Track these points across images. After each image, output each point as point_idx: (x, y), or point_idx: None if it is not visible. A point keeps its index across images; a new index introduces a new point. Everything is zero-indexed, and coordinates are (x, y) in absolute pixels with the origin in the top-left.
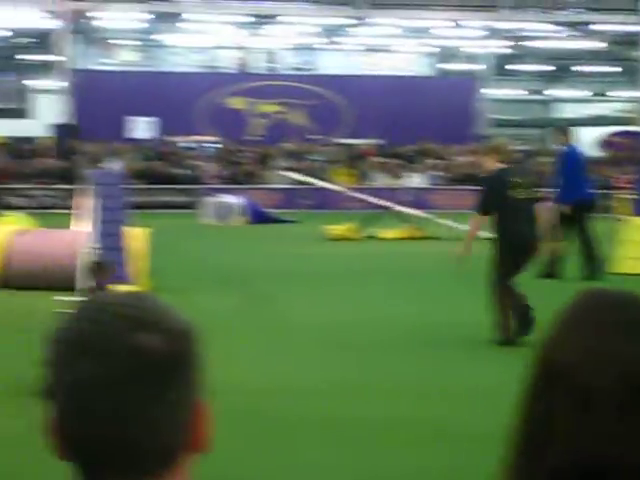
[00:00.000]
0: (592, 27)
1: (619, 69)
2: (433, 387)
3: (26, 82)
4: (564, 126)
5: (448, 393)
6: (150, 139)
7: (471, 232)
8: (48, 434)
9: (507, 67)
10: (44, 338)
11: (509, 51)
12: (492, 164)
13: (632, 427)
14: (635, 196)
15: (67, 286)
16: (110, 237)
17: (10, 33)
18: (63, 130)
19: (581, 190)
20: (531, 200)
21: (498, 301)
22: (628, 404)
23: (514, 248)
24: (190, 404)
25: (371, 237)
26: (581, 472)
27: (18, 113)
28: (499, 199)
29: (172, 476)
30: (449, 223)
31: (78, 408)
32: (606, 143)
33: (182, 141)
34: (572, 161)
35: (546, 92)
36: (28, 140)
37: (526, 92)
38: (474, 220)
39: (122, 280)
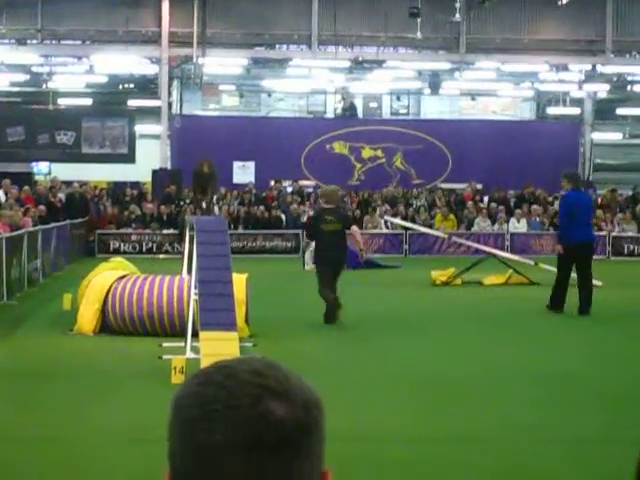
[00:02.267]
0: None
1: None
2: (544, 437)
3: (134, 127)
4: (569, 173)
5: (560, 442)
6: (252, 184)
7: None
8: None
9: (610, 111)
10: (171, 401)
11: (612, 95)
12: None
13: None
14: None
15: (167, 332)
16: (216, 284)
17: (118, 79)
18: (165, 175)
19: (578, 233)
20: (337, 231)
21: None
22: None
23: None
24: (317, 475)
25: (474, 282)
26: None
27: (126, 158)
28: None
29: None
30: (551, 268)
31: (202, 472)
32: None
33: (284, 186)
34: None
35: None
36: (132, 185)
37: (630, 136)
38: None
39: (229, 327)
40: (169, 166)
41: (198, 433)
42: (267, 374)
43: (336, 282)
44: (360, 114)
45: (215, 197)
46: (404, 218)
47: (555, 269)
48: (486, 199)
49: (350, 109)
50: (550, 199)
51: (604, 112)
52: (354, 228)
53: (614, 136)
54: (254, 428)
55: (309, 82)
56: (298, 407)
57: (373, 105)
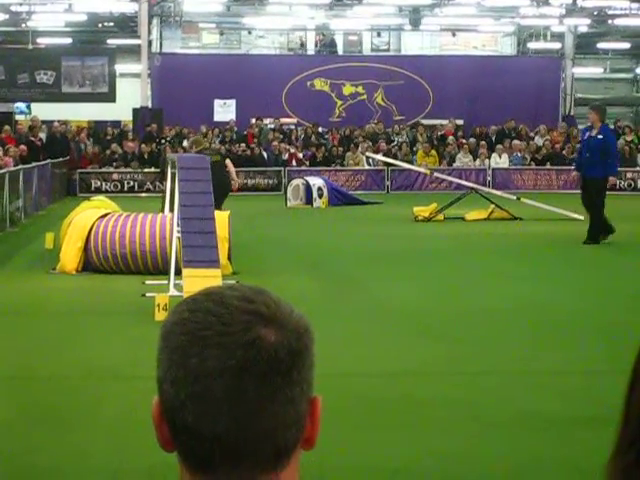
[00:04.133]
0: None
1: None
2: (521, 370)
3: (114, 66)
4: (597, 106)
5: (535, 375)
6: (233, 122)
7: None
8: (156, 424)
9: (591, 45)
10: (160, 329)
11: (593, 29)
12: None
13: None
14: None
15: (150, 270)
16: (199, 221)
17: (97, 17)
18: (146, 114)
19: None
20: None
21: None
22: None
23: None
24: (306, 402)
25: (455, 218)
26: None
27: (106, 97)
28: None
29: (285, 473)
30: (533, 203)
31: (192, 399)
32: None
33: (265, 124)
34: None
35: (631, 70)
36: (113, 124)
37: (611, 70)
38: None
39: (212, 264)
40: (150, 105)
41: (189, 360)
42: (257, 300)
43: None
44: (340, 51)
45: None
46: (386, 154)
47: (537, 204)
48: (468, 135)
49: (330, 45)
50: (532, 134)
51: (585, 46)
52: (228, 161)
53: (595, 70)
54: (246, 354)
55: (289, 19)
56: (289, 333)
57: (353, 40)
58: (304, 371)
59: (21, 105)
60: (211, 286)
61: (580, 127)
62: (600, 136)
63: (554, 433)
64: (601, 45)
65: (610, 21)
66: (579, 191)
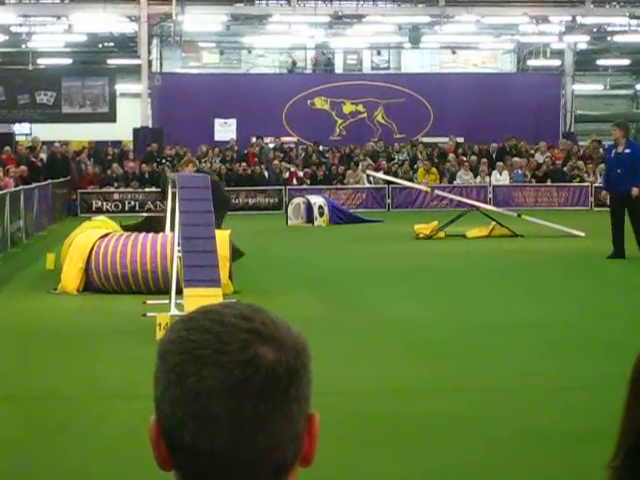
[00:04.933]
0: None
1: None
2: (522, 385)
3: (114, 86)
4: (622, 122)
5: (536, 390)
6: (233, 141)
7: None
8: (153, 443)
9: (590, 62)
10: (157, 347)
11: (593, 46)
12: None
13: None
14: None
15: (151, 290)
16: (199, 240)
17: (97, 38)
18: (146, 133)
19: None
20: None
21: None
22: None
23: None
24: (304, 419)
25: (456, 235)
26: None
27: (106, 117)
28: None
29: None
30: (534, 220)
31: (191, 418)
32: None
33: (265, 143)
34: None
35: (631, 86)
36: (113, 144)
37: (610, 87)
38: None
39: (213, 283)
40: (150, 124)
41: (186, 379)
42: (255, 318)
43: None
44: (340, 69)
45: None
46: (386, 173)
47: (539, 221)
48: (469, 153)
49: (327, 64)
50: (532, 151)
51: (585, 63)
52: None
53: (595, 87)
54: (244, 373)
55: (289, 38)
56: (287, 351)
57: (353, 60)
58: (302, 388)
59: (23, 127)
60: (208, 304)
61: (580, 143)
62: (628, 150)
63: (556, 448)
64: (601, 62)
65: (609, 38)
66: (605, 209)
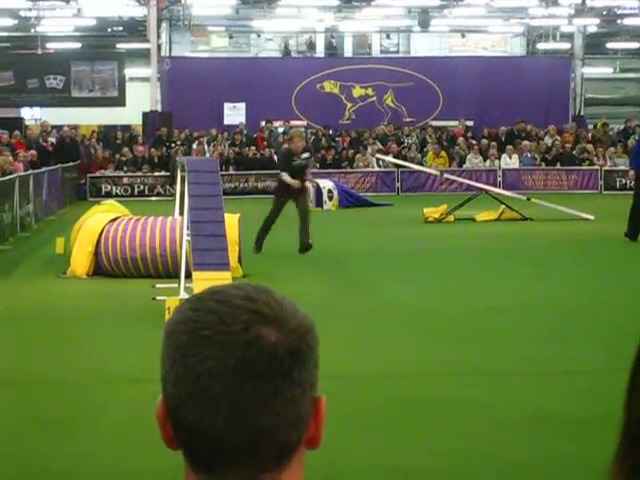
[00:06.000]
0: None
1: None
2: (531, 370)
3: (123, 71)
4: None
5: (545, 374)
6: (243, 125)
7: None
8: (160, 422)
9: (600, 45)
10: (164, 328)
11: (602, 29)
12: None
13: None
14: None
15: (160, 274)
16: (208, 224)
17: (106, 22)
18: (155, 118)
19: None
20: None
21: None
22: None
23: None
24: (309, 402)
25: (466, 219)
26: None
27: (116, 101)
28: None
29: (287, 473)
30: (543, 203)
31: (192, 398)
32: None
33: (275, 127)
34: None
35: None
36: (123, 128)
37: (620, 70)
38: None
39: (222, 267)
40: (159, 108)
41: (189, 359)
42: (260, 300)
43: None
44: (350, 53)
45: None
46: (396, 156)
47: (548, 204)
48: (478, 136)
49: (328, 47)
50: (541, 134)
51: (594, 46)
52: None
53: (605, 70)
54: (245, 353)
55: (298, 21)
56: (290, 333)
57: (363, 43)
58: (306, 371)
59: (33, 111)
60: (216, 285)
61: (590, 127)
62: None
63: (565, 432)
64: (610, 45)
65: (619, 21)
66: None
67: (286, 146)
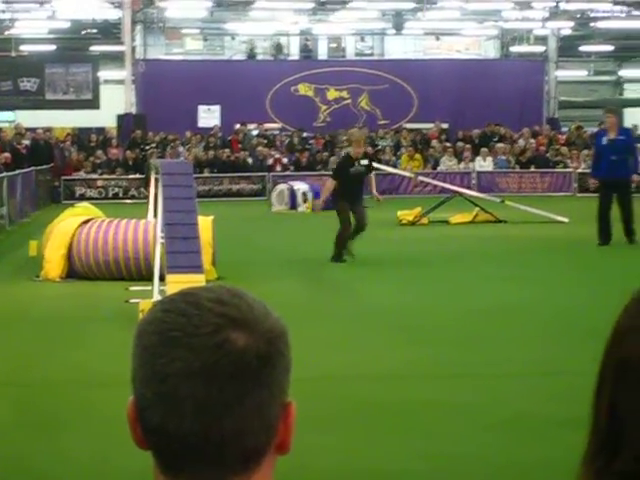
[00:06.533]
0: None
1: None
2: (509, 371)
3: (97, 73)
4: (614, 108)
5: (525, 376)
6: (217, 127)
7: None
8: (130, 423)
9: (574, 48)
10: (134, 329)
11: (576, 32)
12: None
13: None
14: None
15: (134, 276)
16: (182, 226)
17: (80, 24)
18: (130, 120)
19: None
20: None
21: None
22: None
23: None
24: (278, 406)
25: (440, 221)
26: None
27: (90, 104)
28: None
29: (256, 477)
30: (517, 206)
31: (160, 399)
32: None
33: (249, 129)
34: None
35: (614, 72)
36: (97, 131)
37: (594, 73)
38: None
39: (195, 269)
40: (134, 111)
41: (157, 360)
42: (231, 303)
43: None
44: (325, 55)
45: None
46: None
47: (522, 207)
48: (452, 139)
49: (304, 50)
50: (516, 137)
51: (568, 49)
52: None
53: (578, 73)
54: (213, 357)
55: (273, 24)
56: (260, 337)
57: (336, 46)
58: (275, 375)
59: (6, 114)
60: (190, 287)
61: (564, 129)
62: (622, 137)
63: (547, 435)
64: (584, 48)
65: (593, 24)
66: (588, 195)
67: (347, 151)
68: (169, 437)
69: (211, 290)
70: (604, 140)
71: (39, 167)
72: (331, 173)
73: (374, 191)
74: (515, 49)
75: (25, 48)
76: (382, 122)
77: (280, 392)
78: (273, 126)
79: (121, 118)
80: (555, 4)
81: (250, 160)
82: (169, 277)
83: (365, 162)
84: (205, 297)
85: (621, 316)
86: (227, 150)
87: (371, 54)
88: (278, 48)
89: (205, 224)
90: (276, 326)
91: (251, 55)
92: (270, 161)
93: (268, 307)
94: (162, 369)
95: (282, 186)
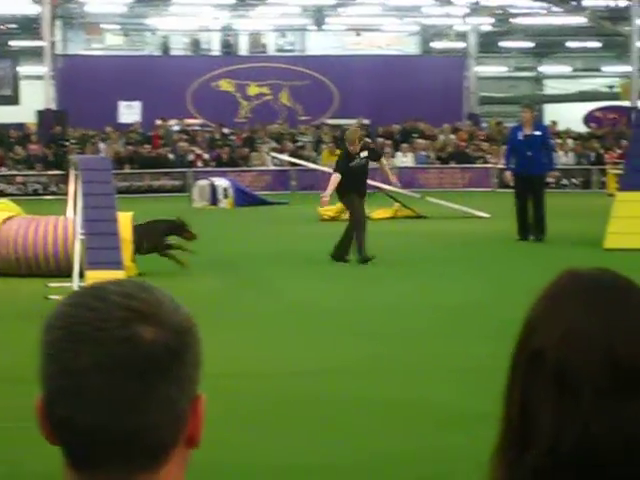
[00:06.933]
0: (579, 3)
1: (606, 44)
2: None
3: (17, 69)
4: (530, 104)
5: (450, 372)
6: (138, 123)
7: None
8: (39, 417)
9: (494, 44)
10: (42, 323)
11: (496, 28)
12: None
13: (612, 412)
14: (621, 171)
15: (54, 273)
16: (101, 222)
17: None
18: (49, 116)
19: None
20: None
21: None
22: (608, 388)
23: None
24: (187, 401)
25: None
26: (564, 470)
27: (10, 100)
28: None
29: (165, 472)
30: (438, 202)
31: (65, 394)
32: (592, 118)
33: (170, 125)
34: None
35: (534, 68)
36: (17, 127)
37: (514, 69)
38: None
39: (115, 266)
40: (54, 107)
41: (63, 354)
42: (138, 297)
43: None
44: (245, 51)
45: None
46: (292, 154)
47: (442, 202)
48: (373, 135)
49: (225, 46)
50: (436, 132)
51: (488, 45)
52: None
53: (498, 69)
54: (120, 351)
55: (194, 20)
56: (167, 331)
57: (258, 42)
58: (184, 370)
59: None
60: (99, 281)
61: (484, 125)
62: (538, 132)
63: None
64: (504, 44)
65: (513, 20)
66: (508, 190)
67: (346, 148)
68: (76, 432)
69: (119, 284)
70: (520, 135)
71: None
72: (334, 167)
73: (392, 179)
74: (436, 45)
75: None
76: (303, 118)
77: (189, 386)
78: (194, 122)
79: (41, 114)
80: (475, 0)
81: (171, 156)
82: (89, 273)
83: (365, 154)
84: (113, 291)
85: (532, 309)
86: (148, 146)
87: (292, 50)
88: (195, 44)
89: (124, 220)
90: (185, 321)
91: (164, 50)
92: (191, 157)
93: (177, 301)
94: (68, 363)
95: (203, 182)
